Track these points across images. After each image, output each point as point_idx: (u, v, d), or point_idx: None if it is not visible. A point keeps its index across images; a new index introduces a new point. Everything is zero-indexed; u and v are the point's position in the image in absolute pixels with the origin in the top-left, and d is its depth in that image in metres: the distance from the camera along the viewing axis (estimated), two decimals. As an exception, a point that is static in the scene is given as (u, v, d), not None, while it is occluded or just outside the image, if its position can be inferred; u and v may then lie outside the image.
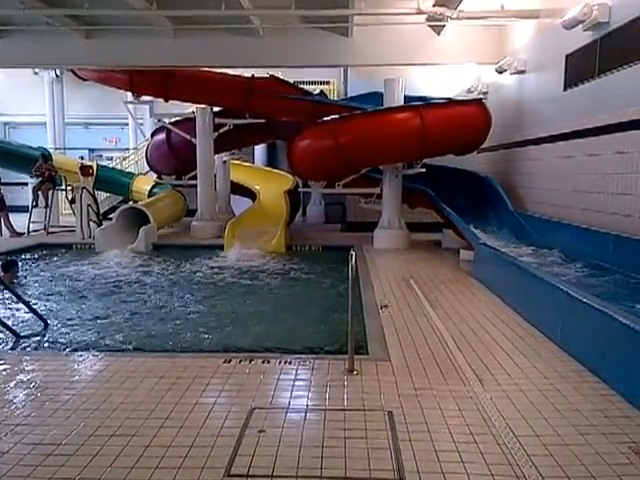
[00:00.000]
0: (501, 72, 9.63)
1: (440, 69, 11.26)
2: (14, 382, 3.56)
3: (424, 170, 9.55)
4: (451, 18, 8.57)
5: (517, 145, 9.23)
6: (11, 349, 4.54)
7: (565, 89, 7.32)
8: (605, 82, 6.27)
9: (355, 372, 3.70)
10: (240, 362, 3.90)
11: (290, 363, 3.89)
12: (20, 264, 7.81)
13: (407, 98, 9.70)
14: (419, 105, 8.94)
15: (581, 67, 6.86)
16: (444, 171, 10.11)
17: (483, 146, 9.52)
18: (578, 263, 5.93)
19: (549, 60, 7.93)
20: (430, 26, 9.42)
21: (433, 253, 9.25)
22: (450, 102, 9.58)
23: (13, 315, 5.48)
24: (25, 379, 3.61)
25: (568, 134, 7.14)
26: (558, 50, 7.45)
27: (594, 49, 6.50)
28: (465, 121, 8.94)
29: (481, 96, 10.53)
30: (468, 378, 3.64)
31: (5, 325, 4.80)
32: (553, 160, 7.70)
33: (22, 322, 5.26)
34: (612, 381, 3.44)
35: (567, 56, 7.23)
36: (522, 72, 9.00)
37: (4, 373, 3.73)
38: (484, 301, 5.84)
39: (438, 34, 9.66)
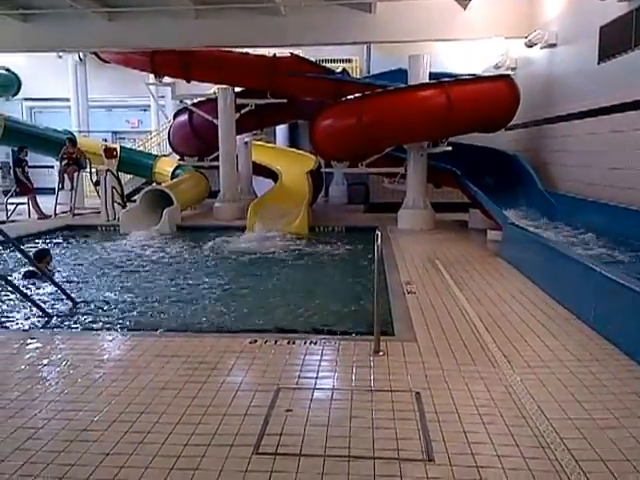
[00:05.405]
0: (531, 46, 9.30)
1: (466, 44, 10.93)
2: (47, 360, 3.64)
3: (450, 148, 9.33)
4: (478, -10, 8.27)
5: (547, 122, 8.93)
6: (43, 328, 4.64)
7: (599, 62, 7.02)
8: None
9: (381, 353, 3.66)
10: (265, 342, 3.91)
11: (315, 344, 3.88)
12: (50, 248, 7.93)
13: (432, 75, 9.44)
14: (444, 82, 8.71)
15: (616, 39, 6.55)
16: (471, 149, 9.88)
17: (511, 123, 9.25)
18: (612, 243, 5.74)
19: (582, 32, 7.60)
20: (456, 0, 9.10)
21: (459, 233, 9.09)
22: (477, 78, 9.30)
23: (44, 295, 5.60)
24: (57, 357, 3.69)
25: (603, 109, 6.87)
26: (592, 21, 7.13)
27: (630, 20, 6.19)
28: (492, 98, 8.69)
29: (509, 71, 10.20)
30: (497, 359, 3.57)
31: (37, 305, 4.91)
32: (586, 136, 7.43)
33: (52, 302, 5.37)
34: (648, 364, 3.34)
35: (601, 27, 6.92)
36: (553, 45, 8.66)
37: (37, 351, 3.82)
38: (513, 282, 5.73)
39: (464, 8, 9.34)
